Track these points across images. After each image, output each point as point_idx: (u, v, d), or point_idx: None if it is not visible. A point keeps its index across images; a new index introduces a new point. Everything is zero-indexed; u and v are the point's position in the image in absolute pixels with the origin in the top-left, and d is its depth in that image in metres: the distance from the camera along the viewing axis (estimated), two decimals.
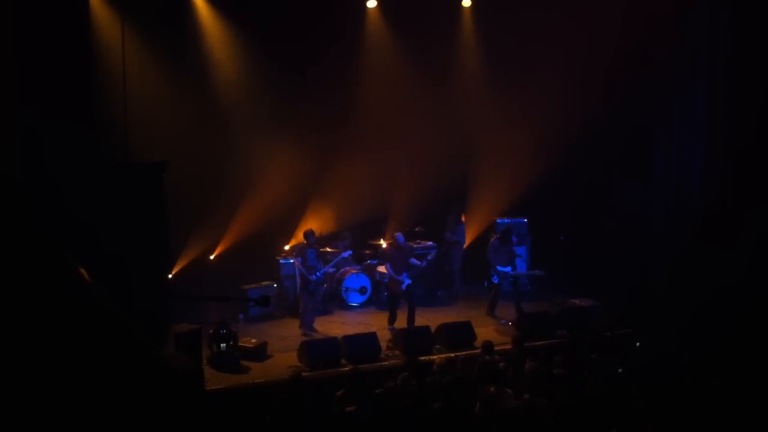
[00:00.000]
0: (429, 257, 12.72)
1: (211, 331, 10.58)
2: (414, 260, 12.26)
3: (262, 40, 14.07)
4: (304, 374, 9.52)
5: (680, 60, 13.09)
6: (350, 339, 10.87)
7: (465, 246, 15.14)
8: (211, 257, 14.37)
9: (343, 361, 10.48)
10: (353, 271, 14.08)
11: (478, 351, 10.36)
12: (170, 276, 12.65)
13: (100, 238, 6.64)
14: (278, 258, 13.87)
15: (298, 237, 13.88)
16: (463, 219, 15.06)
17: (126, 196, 7.29)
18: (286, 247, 14.33)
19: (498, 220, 14.81)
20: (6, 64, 9.72)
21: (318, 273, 12.18)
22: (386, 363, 10.55)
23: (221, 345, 10.48)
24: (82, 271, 3.75)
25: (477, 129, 15.92)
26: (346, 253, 13.42)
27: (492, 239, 13.43)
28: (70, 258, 3.75)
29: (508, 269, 13.11)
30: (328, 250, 13.88)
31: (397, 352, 10.91)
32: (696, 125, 13.02)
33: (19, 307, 3.44)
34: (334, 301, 14.04)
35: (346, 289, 13.95)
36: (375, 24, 15.40)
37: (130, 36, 12.72)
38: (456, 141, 15.69)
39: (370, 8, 15.23)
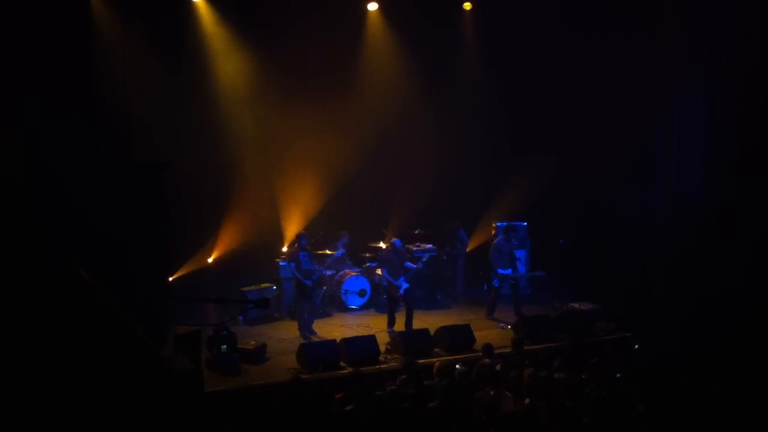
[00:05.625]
0: (424, 259, 12.73)
1: (210, 333, 10.56)
2: (409, 263, 12.26)
3: (262, 41, 14.11)
4: (303, 376, 9.49)
5: (681, 64, 13.09)
6: (349, 341, 10.85)
7: (469, 248, 15.18)
8: (210, 260, 14.36)
9: (342, 363, 10.46)
10: (352, 274, 14.07)
11: (477, 354, 10.36)
12: (171, 279, 12.64)
13: (101, 238, 6.63)
14: (277, 260, 13.85)
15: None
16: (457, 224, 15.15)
17: (127, 196, 7.29)
18: (284, 249, 14.31)
19: (498, 224, 14.82)
20: (7, 63, 9.72)
21: (314, 276, 12.13)
22: (385, 366, 10.54)
23: (221, 347, 10.45)
24: (83, 271, 3.74)
25: (479, 132, 15.96)
26: (339, 253, 13.34)
27: (494, 240, 13.45)
28: (70, 257, 3.74)
29: (508, 272, 13.11)
30: (328, 252, 13.84)
31: (396, 354, 10.90)
32: (696, 129, 13.02)
33: (19, 306, 3.43)
34: (333, 303, 14.02)
35: (346, 291, 13.94)
36: (376, 27, 15.44)
37: (130, 36, 12.74)
38: (457, 143, 15.72)
39: (371, 11, 15.28)
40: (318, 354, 10.47)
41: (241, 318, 12.76)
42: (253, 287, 13.18)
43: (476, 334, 11.52)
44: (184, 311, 11.70)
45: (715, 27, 12.68)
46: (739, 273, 11.53)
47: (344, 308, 13.92)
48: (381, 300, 13.77)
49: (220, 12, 14.02)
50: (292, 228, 14.65)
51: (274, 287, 13.46)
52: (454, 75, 15.94)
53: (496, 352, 10.11)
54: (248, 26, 14.06)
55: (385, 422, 7.37)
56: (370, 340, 11.07)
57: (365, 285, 14.06)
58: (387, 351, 11.10)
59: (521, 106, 15.17)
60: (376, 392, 8.28)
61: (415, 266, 12.27)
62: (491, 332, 12.13)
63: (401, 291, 12.12)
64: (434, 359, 10.41)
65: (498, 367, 9.20)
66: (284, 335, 12.17)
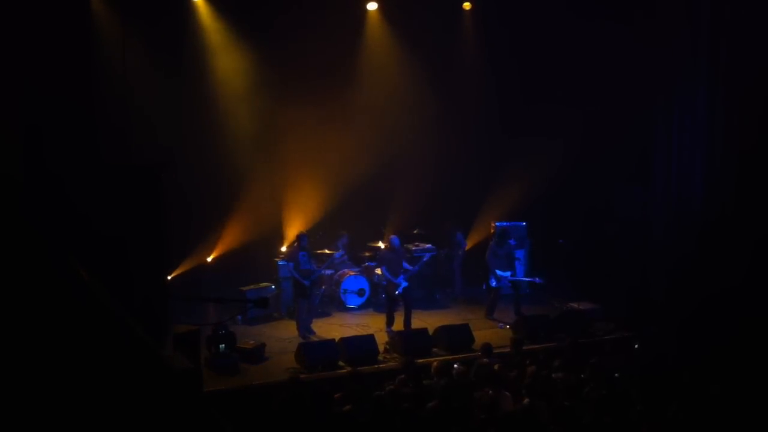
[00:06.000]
0: (423, 261, 12.71)
1: (209, 333, 10.56)
2: (406, 264, 12.23)
3: (262, 41, 14.12)
4: (301, 376, 9.50)
5: (681, 64, 13.10)
6: (348, 341, 10.85)
7: (467, 248, 15.21)
8: (209, 259, 14.38)
9: (341, 363, 10.47)
10: (351, 273, 14.07)
11: (476, 354, 10.36)
12: (170, 277, 12.63)
13: (101, 237, 6.64)
14: (276, 260, 13.86)
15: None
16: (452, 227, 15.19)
17: (127, 196, 7.29)
18: (283, 249, 14.33)
19: (496, 224, 14.84)
20: (7, 63, 9.71)
21: (312, 276, 12.13)
22: (384, 365, 10.54)
23: (220, 346, 10.46)
24: (83, 270, 3.74)
25: (478, 132, 15.97)
26: (338, 254, 13.36)
27: (491, 242, 13.45)
28: (70, 257, 3.75)
29: (507, 274, 13.09)
30: (327, 251, 13.86)
31: (395, 354, 10.90)
32: (696, 129, 13.04)
33: (19, 306, 3.43)
34: (332, 303, 14.03)
35: (345, 291, 13.94)
36: (375, 26, 15.45)
37: (130, 36, 12.74)
38: (457, 143, 15.73)
39: (371, 11, 15.29)
40: (317, 354, 10.47)
41: (240, 317, 12.75)
42: (252, 287, 13.19)
43: (475, 333, 11.52)
44: (184, 310, 11.69)
45: (715, 27, 12.69)
46: (740, 273, 11.54)
47: (343, 308, 13.93)
48: (380, 299, 13.78)
49: (220, 11, 14.03)
50: (291, 227, 14.66)
51: (273, 287, 13.46)
52: (453, 74, 15.93)
53: (495, 351, 10.11)
54: (248, 25, 14.06)
55: (384, 422, 7.37)
56: (369, 339, 11.08)
57: (364, 284, 14.06)
58: (386, 351, 11.10)
59: (521, 105, 15.17)
60: (375, 392, 8.29)
61: (412, 269, 12.23)
62: (490, 332, 12.12)
63: (400, 290, 12.11)
64: (433, 359, 10.41)
65: (497, 366, 9.20)
66: (283, 335, 12.17)
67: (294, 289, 12.41)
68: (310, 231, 13.61)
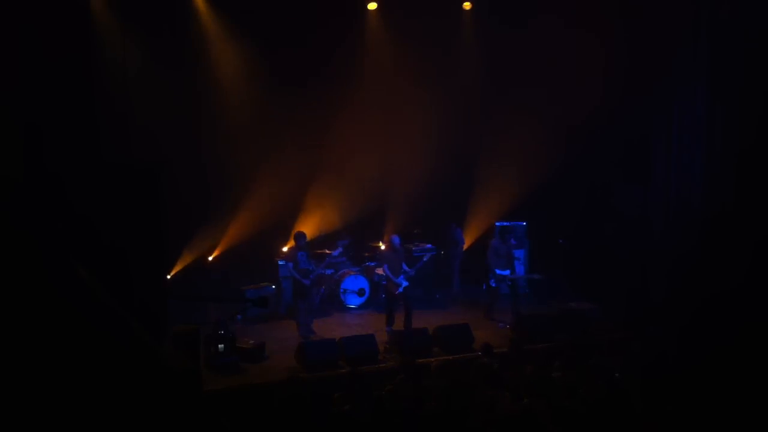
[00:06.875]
0: (422, 261, 12.69)
1: (209, 332, 10.56)
2: (405, 266, 12.21)
3: (262, 42, 14.13)
4: (301, 376, 9.49)
5: (680, 64, 13.10)
6: (348, 340, 10.85)
7: (465, 247, 15.21)
8: (210, 258, 14.39)
9: (340, 362, 10.46)
10: (351, 273, 14.08)
11: (476, 354, 10.36)
12: (169, 276, 12.65)
13: (100, 237, 6.63)
14: (276, 259, 13.87)
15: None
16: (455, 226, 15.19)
17: (126, 196, 7.30)
18: (284, 249, 14.33)
19: (497, 223, 14.83)
20: (7, 62, 9.72)
21: (312, 276, 12.13)
22: (384, 365, 10.53)
23: (219, 345, 10.46)
24: (82, 270, 3.74)
25: (477, 131, 15.96)
26: (336, 252, 13.37)
27: (492, 241, 13.45)
28: (70, 257, 3.74)
29: (506, 272, 13.10)
30: (327, 251, 13.86)
31: (395, 354, 10.89)
32: (695, 129, 13.04)
33: (19, 306, 3.43)
34: (332, 302, 14.03)
35: (345, 290, 13.95)
36: (375, 26, 15.45)
37: (130, 36, 12.75)
38: (456, 143, 15.73)
39: (371, 10, 15.29)
40: (317, 353, 10.47)
41: (240, 317, 12.75)
42: (252, 286, 13.19)
43: (475, 333, 11.52)
44: (183, 310, 11.70)
45: (714, 26, 12.69)
46: (740, 273, 11.53)
47: (343, 307, 13.93)
48: (380, 299, 13.78)
49: (221, 12, 14.04)
50: (292, 227, 14.68)
51: (273, 286, 13.47)
52: (452, 73, 15.93)
53: (495, 351, 10.10)
54: (248, 24, 14.07)
55: (384, 422, 7.36)
56: (369, 339, 11.07)
57: (364, 284, 14.07)
58: (386, 350, 11.10)
59: (520, 105, 15.16)
60: (375, 392, 8.28)
61: (410, 271, 12.20)
62: (490, 332, 12.11)
63: (400, 289, 12.10)
64: (433, 359, 10.40)
65: (496, 366, 9.20)
66: (283, 334, 12.17)
67: (294, 289, 12.41)
68: (310, 230, 13.60)
